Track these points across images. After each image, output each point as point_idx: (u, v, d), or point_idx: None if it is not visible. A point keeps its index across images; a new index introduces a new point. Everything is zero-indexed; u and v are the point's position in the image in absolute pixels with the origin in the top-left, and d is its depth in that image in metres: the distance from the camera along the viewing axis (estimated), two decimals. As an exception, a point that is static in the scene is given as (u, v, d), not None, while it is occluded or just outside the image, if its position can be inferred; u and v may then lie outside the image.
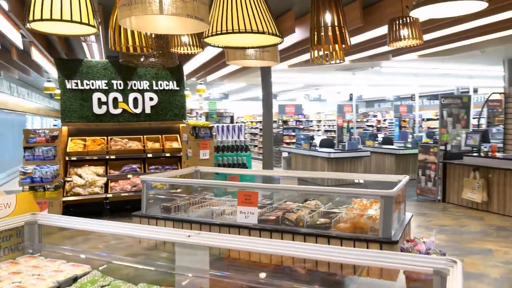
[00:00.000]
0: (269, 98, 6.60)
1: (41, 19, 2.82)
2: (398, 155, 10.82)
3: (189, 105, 23.16)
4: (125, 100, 7.43)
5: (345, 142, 10.85)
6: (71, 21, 3.01)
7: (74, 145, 7.65)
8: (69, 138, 7.68)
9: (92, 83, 7.28)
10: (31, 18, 2.81)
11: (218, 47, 4.35)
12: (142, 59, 5.02)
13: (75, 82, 7.21)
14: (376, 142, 11.93)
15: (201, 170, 5.39)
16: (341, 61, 4.54)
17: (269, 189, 4.26)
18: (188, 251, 2.26)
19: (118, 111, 7.43)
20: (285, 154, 13.42)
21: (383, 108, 25.70)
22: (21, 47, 7.23)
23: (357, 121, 15.82)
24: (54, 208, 6.42)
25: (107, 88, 7.37)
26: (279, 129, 14.98)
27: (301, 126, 15.38)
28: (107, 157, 7.56)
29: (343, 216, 3.86)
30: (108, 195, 7.08)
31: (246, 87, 19.21)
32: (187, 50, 4.63)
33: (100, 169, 7.59)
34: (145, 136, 7.94)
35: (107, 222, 2.61)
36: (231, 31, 3.16)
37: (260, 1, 3.34)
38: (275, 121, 16.66)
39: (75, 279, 2.25)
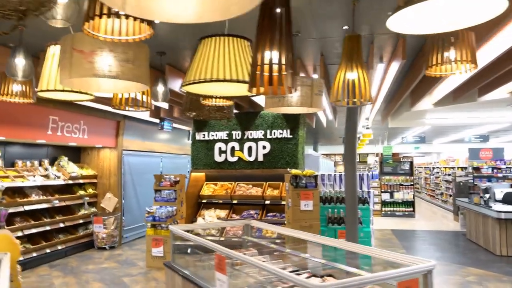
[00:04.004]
0: (353, 150, 5.69)
1: (51, 89, 3.53)
2: None
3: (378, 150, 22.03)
4: (241, 149, 7.86)
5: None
6: (73, 91, 3.63)
7: (207, 188, 8.52)
8: (205, 183, 8.63)
9: (216, 134, 8.03)
10: (41, 88, 3.54)
11: (199, 95, 4.32)
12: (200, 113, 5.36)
13: (203, 134, 8.12)
14: None
15: (252, 224, 5.14)
16: (368, 102, 3.76)
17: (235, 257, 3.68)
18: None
19: (235, 159, 7.90)
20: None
21: None
22: (167, 107, 8.76)
23: None
24: (168, 246, 7.23)
25: (227, 138, 7.98)
26: (468, 177, 12.39)
27: (499, 175, 12.29)
28: (232, 201, 8.07)
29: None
30: (221, 239, 7.49)
31: (444, 128, 16.91)
32: (218, 102, 4.68)
33: (223, 213, 8.12)
34: (267, 183, 8.10)
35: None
36: (203, 79, 3.22)
37: (239, 51, 3.26)
38: (465, 168, 13.97)
39: None
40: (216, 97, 4.39)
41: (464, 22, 2.46)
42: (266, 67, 2.84)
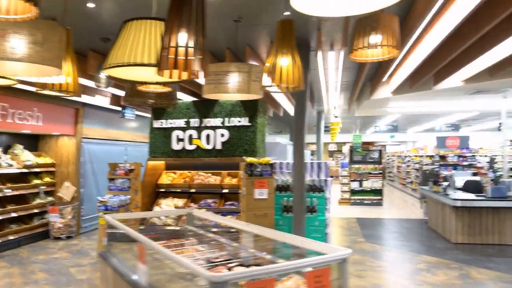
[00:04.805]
0: (301, 137, 5.62)
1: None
2: None
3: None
4: (199, 137, 7.73)
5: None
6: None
7: (166, 177, 8.37)
8: (164, 171, 8.49)
9: (174, 122, 7.88)
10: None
11: (120, 80, 4.18)
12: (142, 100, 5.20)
13: (160, 122, 7.94)
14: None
15: (193, 213, 5.06)
16: (300, 88, 3.68)
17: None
18: None
19: (193, 147, 7.77)
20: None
21: None
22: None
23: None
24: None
25: (185, 126, 7.83)
26: (435, 165, 12.54)
27: (464, 163, 12.48)
28: (190, 190, 7.96)
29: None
30: (177, 228, 7.39)
31: (415, 117, 17.07)
32: (156, 88, 4.52)
33: (181, 202, 8.01)
34: (226, 172, 8.00)
35: None
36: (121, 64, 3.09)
37: (156, 34, 3.11)
38: (432, 156, 14.15)
39: None
40: (150, 83, 4.25)
41: (375, 4, 2.38)
42: (179, 51, 2.72)
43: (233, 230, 5.95)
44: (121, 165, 7.56)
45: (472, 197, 8.12)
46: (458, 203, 7.86)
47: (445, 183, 8.91)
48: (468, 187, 9.15)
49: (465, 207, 7.90)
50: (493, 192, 7.99)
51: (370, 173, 13.99)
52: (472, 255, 7.09)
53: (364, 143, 25.68)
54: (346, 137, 25.18)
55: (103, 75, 5.31)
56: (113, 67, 2.98)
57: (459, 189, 9.27)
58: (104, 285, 4.32)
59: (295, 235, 3.35)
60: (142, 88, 4.46)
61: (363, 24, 3.07)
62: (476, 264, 6.47)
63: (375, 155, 14.28)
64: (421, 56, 5.01)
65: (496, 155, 13.79)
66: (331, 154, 31.61)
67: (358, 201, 13.89)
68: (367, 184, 13.93)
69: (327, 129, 18.12)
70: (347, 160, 14.76)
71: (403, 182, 18.82)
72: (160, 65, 2.70)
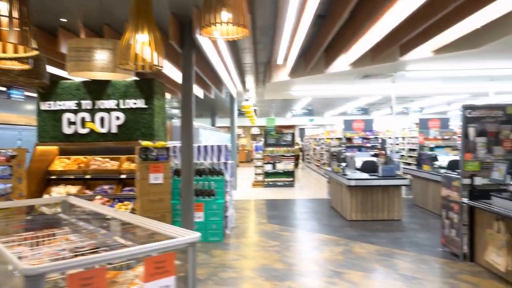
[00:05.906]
0: (189, 118, 5.53)
1: None
2: (455, 185, 8.27)
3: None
4: (93, 120, 7.29)
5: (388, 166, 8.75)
6: None
7: (59, 163, 7.83)
8: (57, 157, 7.92)
9: (64, 104, 7.34)
10: None
11: None
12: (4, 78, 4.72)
13: (48, 104, 7.36)
14: (435, 166, 9.37)
15: (70, 201, 4.76)
16: (160, 67, 3.49)
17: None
18: None
19: (86, 130, 7.30)
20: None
21: None
22: None
23: (444, 139, 12.90)
24: (6, 227, 6.55)
25: (76, 108, 7.33)
26: (341, 147, 13.17)
27: (368, 145, 13.26)
28: (86, 176, 7.51)
29: None
30: (60, 217, 6.96)
31: (328, 101, 17.70)
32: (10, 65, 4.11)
33: (74, 189, 7.55)
34: (125, 157, 7.67)
35: None
36: None
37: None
38: (340, 138, 14.84)
39: None
40: None
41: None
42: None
43: (108, 217, 5.73)
44: (2, 151, 6.90)
45: (365, 176, 8.61)
46: (352, 183, 8.28)
47: (343, 164, 9.34)
48: (365, 167, 9.68)
49: (359, 186, 8.35)
50: (383, 171, 8.52)
51: (283, 156, 14.32)
52: (360, 231, 7.52)
53: (284, 126, 26.27)
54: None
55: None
56: None
57: (358, 169, 9.78)
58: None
59: (152, 220, 3.22)
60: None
61: (210, 0, 2.98)
62: (361, 239, 6.87)
63: (288, 138, 14.63)
64: (301, 37, 5.08)
65: (396, 137, 14.80)
66: (254, 137, 32.01)
67: (271, 183, 14.20)
68: (280, 167, 14.26)
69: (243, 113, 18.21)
70: (261, 143, 14.96)
71: (318, 163, 19.58)
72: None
